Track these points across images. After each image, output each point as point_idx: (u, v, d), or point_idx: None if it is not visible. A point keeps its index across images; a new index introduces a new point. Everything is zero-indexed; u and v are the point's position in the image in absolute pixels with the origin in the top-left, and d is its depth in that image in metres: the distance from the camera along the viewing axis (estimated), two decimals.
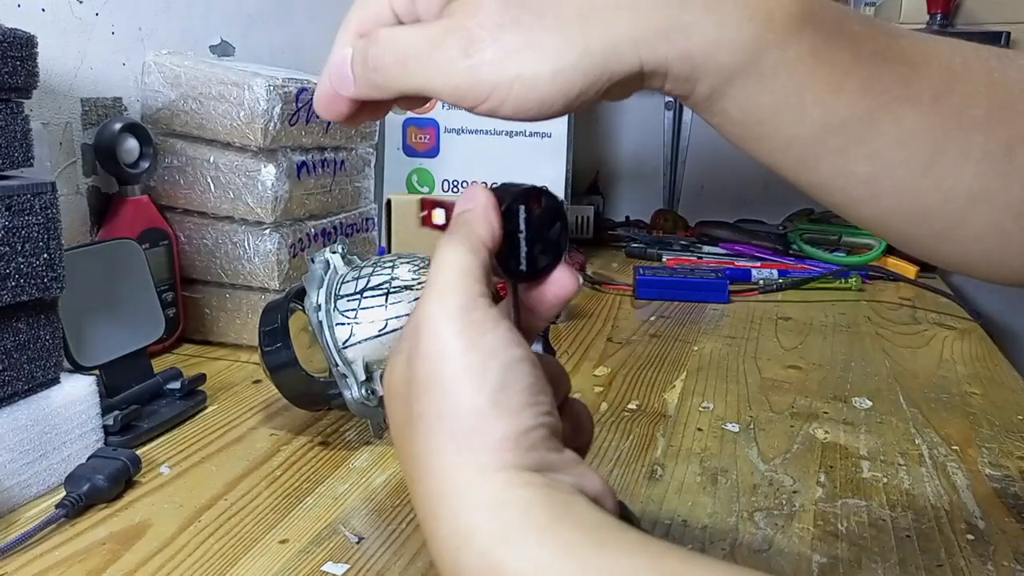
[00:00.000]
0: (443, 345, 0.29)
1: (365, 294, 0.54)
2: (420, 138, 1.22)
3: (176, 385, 0.62)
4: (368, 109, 0.38)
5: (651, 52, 0.32)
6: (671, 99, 1.49)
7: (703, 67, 0.33)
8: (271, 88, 0.72)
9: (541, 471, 0.29)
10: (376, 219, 0.95)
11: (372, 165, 0.93)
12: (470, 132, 1.19)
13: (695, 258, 1.24)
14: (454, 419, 0.29)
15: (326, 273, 0.56)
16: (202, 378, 0.64)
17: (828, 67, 0.34)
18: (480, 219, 0.33)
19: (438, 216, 0.41)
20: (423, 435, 0.29)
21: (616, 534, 0.27)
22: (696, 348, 0.83)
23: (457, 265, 0.31)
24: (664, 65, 0.32)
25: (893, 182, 0.37)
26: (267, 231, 0.75)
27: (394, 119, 1.22)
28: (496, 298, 0.36)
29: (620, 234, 1.41)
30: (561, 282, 0.35)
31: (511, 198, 0.34)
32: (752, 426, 0.63)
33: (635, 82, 0.33)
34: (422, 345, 0.30)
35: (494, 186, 0.35)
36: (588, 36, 0.31)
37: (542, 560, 0.26)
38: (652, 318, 0.94)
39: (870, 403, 0.68)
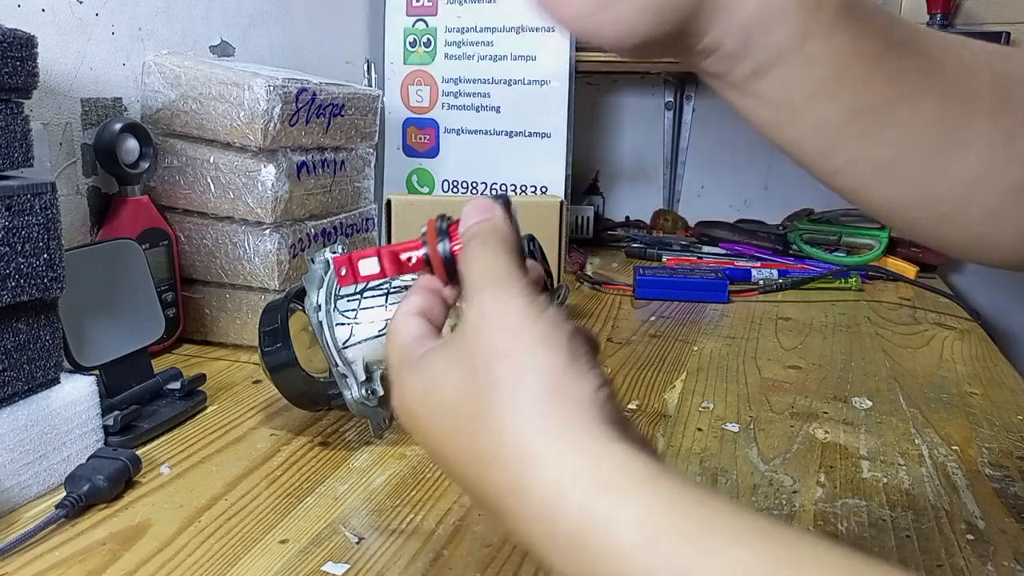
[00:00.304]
0: (514, 317, 0.31)
1: (365, 294, 0.54)
2: (420, 138, 1.22)
3: (176, 385, 0.62)
4: None
5: (718, 15, 0.34)
6: (671, 99, 1.49)
7: (754, 44, 0.35)
8: (271, 88, 0.72)
9: (618, 429, 0.30)
10: (376, 219, 0.95)
11: (372, 165, 0.93)
12: (470, 132, 1.19)
13: (695, 258, 1.24)
14: (540, 378, 0.29)
15: (326, 273, 0.56)
16: (202, 378, 0.64)
17: (862, 57, 0.36)
18: (504, 225, 0.35)
19: (368, 266, 0.40)
20: (498, 403, 0.29)
21: (712, 494, 0.27)
22: (696, 348, 0.83)
23: (505, 260, 0.33)
24: (720, 35, 0.35)
25: (905, 168, 0.39)
26: (267, 231, 0.75)
27: (394, 119, 1.22)
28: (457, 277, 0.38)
29: (620, 234, 1.41)
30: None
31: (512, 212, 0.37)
32: (752, 426, 0.63)
33: (684, 39, 0.35)
34: (489, 320, 0.31)
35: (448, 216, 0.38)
36: None
37: (642, 513, 0.26)
38: (652, 318, 0.94)
39: (870, 403, 0.68)
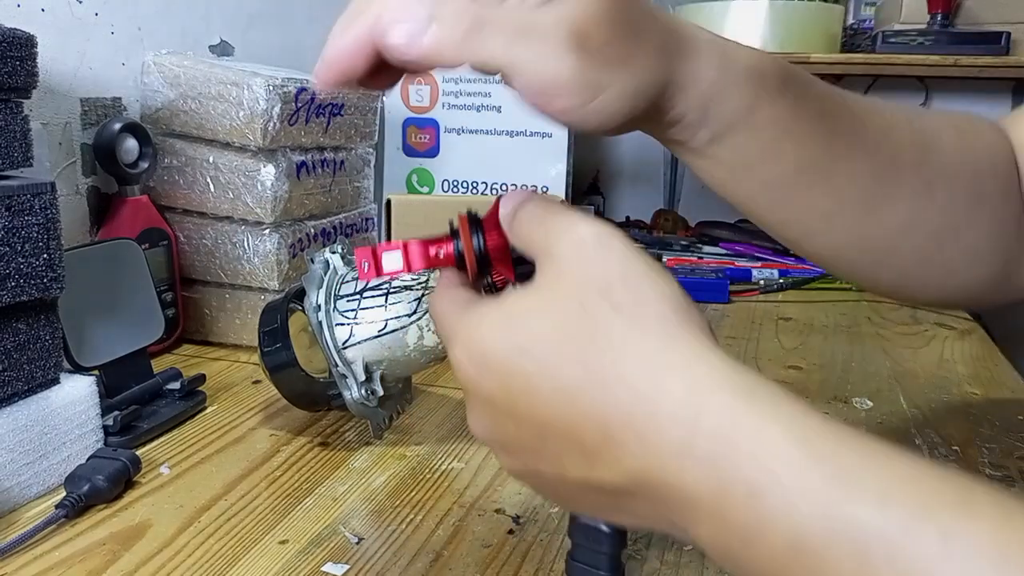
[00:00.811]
0: (619, 247, 0.30)
1: (365, 294, 0.54)
2: (420, 138, 1.22)
3: (176, 385, 0.62)
4: (380, 77, 0.38)
5: (681, 93, 0.38)
6: None
7: (710, 114, 0.39)
8: (270, 88, 0.72)
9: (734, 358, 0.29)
10: (376, 219, 0.95)
11: (372, 165, 0.93)
12: (470, 132, 1.19)
13: (695, 258, 1.24)
14: (663, 302, 0.29)
15: (326, 273, 0.56)
16: (202, 378, 0.64)
17: (802, 120, 0.42)
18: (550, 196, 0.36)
19: (391, 261, 0.38)
20: (622, 324, 0.29)
21: (842, 424, 0.26)
22: None
23: (575, 210, 0.33)
24: (683, 109, 0.39)
25: (845, 216, 0.45)
26: (267, 231, 0.75)
27: (394, 118, 1.22)
28: (494, 288, 0.38)
29: None
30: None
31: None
32: None
33: (653, 115, 0.38)
34: (589, 252, 0.30)
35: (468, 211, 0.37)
36: (643, 71, 0.36)
37: (797, 415, 0.25)
38: None
39: (871, 403, 0.68)
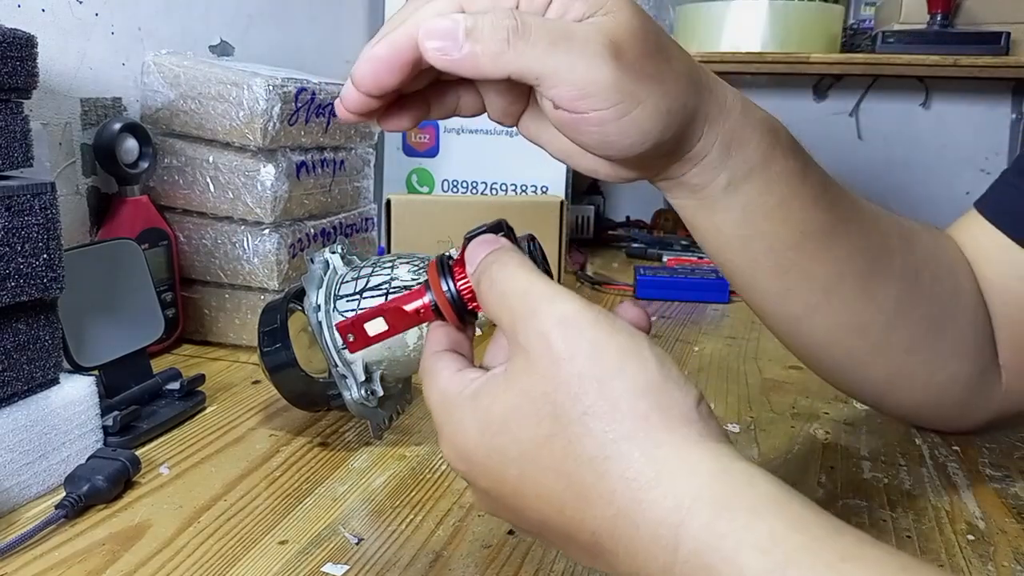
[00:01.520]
0: (588, 337, 0.29)
1: (365, 294, 0.54)
2: (420, 138, 1.22)
3: (175, 386, 0.62)
4: (404, 110, 0.39)
5: (708, 125, 0.39)
6: None
7: (731, 157, 0.40)
8: (270, 88, 0.72)
9: (724, 442, 0.28)
10: (376, 219, 0.95)
11: (372, 165, 0.93)
12: (470, 132, 1.19)
13: (696, 258, 1.23)
14: (639, 399, 0.28)
15: (325, 273, 0.56)
16: (201, 378, 0.64)
17: (810, 183, 0.43)
18: (515, 249, 0.34)
19: (375, 326, 0.39)
20: (597, 432, 0.28)
21: (842, 523, 0.26)
22: (697, 348, 0.83)
23: (538, 282, 0.31)
24: (707, 145, 0.40)
25: (842, 292, 0.46)
26: (266, 231, 0.75)
27: None
28: (469, 316, 0.37)
29: (620, 234, 1.41)
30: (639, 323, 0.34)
31: (517, 238, 0.37)
32: (753, 427, 0.63)
33: (676, 149, 0.39)
34: (556, 349, 0.29)
35: (467, 233, 0.37)
36: (676, 92, 0.37)
37: (771, 536, 0.24)
38: (653, 318, 0.94)
39: None
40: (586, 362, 0.28)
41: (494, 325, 0.34)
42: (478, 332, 0.39)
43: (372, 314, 0.38)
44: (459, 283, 0.36)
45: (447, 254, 0.38)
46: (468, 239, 0.36)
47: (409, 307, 0.37)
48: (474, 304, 0.36)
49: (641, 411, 0.27)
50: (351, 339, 0.39)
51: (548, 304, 0.30)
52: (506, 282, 0.32)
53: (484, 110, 0.42)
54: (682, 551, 0.25)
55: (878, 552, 0.24)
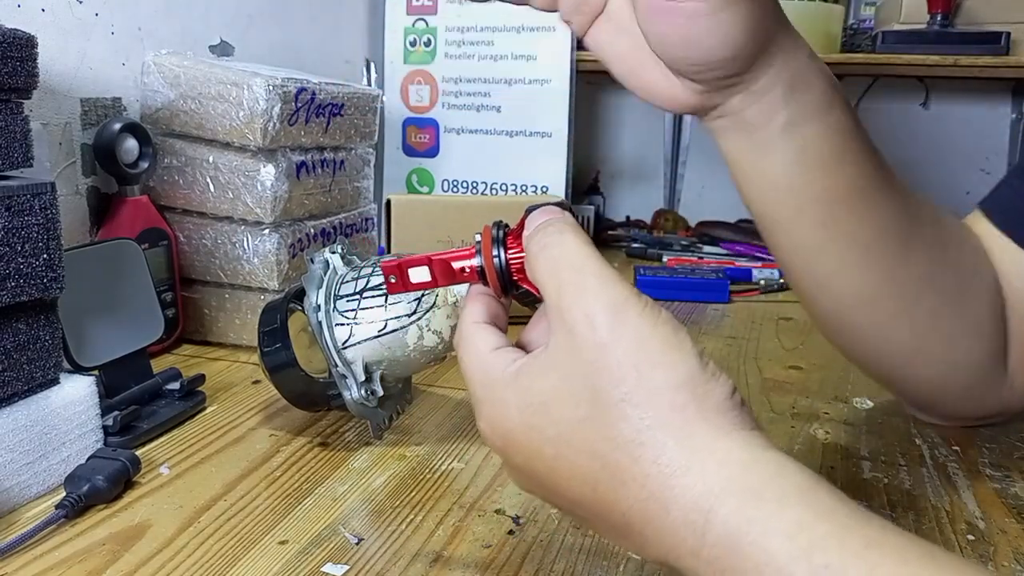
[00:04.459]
0: (633, 325, 0.29)
1: (364, 294, 0.54)
2: (420, 138, 1.22)
3: (175, 386, 0.62)
4: None
5: (780, 56, 0.40)
6: None
7: (795, 97, 0.40)
8: (270, 88, 0.72)
9: (756, 431, 0.29)
10: (376, 219, 0.95)
11: (372, 165, 0.93)
12: (470, 132, 1.19)
13: (696, 258, 1.24)
14: (676, 390, 0.28)
15: (325, 273, 0.56)
16: (201, 378, 0.64)
17: (862, 139, 0.44)
18: (574, 223, 0.34)
19: (418, 274, 0.39)
20: (633, 421, 0.28)
21: (870, 513, 0.26)
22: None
23: (594, 260, 0.31)
24: (774, 79, 0.40)
25: (880, 250, 0.46)
26: (266, 231, 0.75)
27: (394, 118, 1.22)
28: (529, 296, 0.36)
29: (620, 234, 1.41)
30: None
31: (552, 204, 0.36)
32: None
33: (748, 77, 0.40)
34: (600, 334, 0.29)
35: (531, 206, 0.36)
36: (760, 9, 0.38)
37: (799, 523, 0.25)
38: None
39: (871, 403, 0.68)
40: (629, 350, 0.29)
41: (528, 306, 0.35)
42: None
43: (418, 261, 0.38)
44: (510, 253, 0.36)
45: (503, 222, 0.37)
46: (528, 210, 0.36)
47: (456, 264, 0.37)
48: (520, 277, 0.36)
49: (679, 402, 0.28)
50: (392, 280, 0.38)
51: (599, 286, 0.30)
52: (561, 252, 0.32)
53: (557, 5, 0.42)
54: (710, 535, 0.26)
55: (902, 540, 0.25)
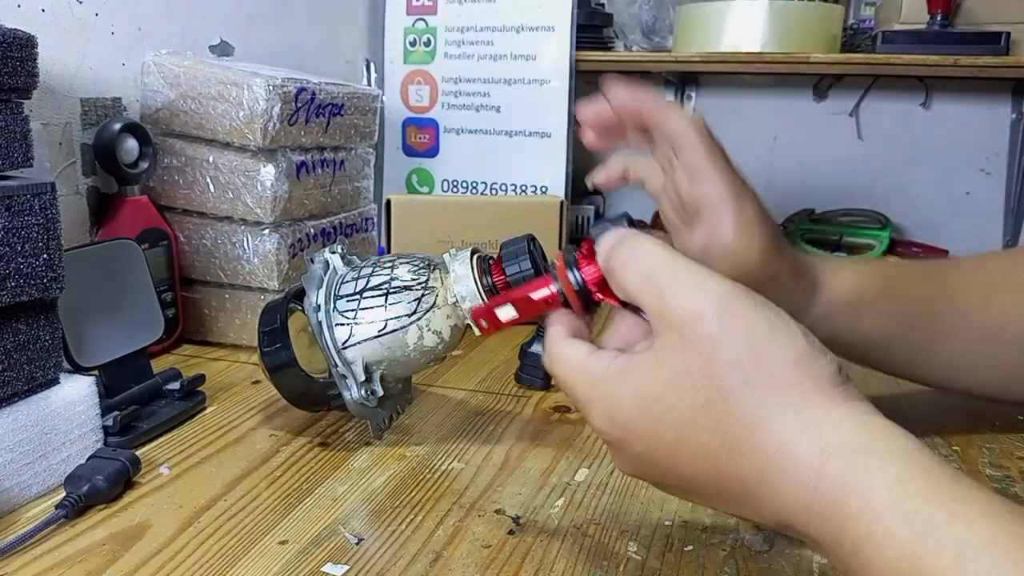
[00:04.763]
0: (741, 314, 0.32)
1: (365, 294, 0.54)
2: (420, 138, 1.22)
3: (175, 386, 0.62)
4: None
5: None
6: (672, 99, 1.49)
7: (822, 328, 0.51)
8: (270, 88, 0.72)
9: (865, 401, 0.32)
10: (376, 219, 0.95)
11: (372, 165, 0.93)
12: (470, 132, 1.19)
13: None
14: (791, 369, 0.31)
15: (325, 273, 0.56)
16: (201, 379, 0.64)
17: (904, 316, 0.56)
18: (644, 234, 0.37)
19: (505, 312, 0.42)
20: (755, 399, 0.31)
21: (963, 475, 0.28)
22: None
23: (682, 261, 0.34)
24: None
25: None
26: (266, 231, 0.75)
27: (394, 118, 1.22)
28: (592, 305, 0.40)
29: None
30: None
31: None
32: None
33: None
34: (711, 327, 0.32)
35: (594, 225, 0.41)
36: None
37: (898, 476, 0.28)
38: None
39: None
40: (742, 338, 0.31)
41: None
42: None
43: (502, 300, 0.42)
44: (585, 274, 0.39)
45: (572, 247, 0.41)
46: (594, 232, 0.39)
47: (536, 295, 0.41)
48: (598, 294, 0.39)
49: (796, 379, 0.31)
50: (484, 324, 0.43)
51: (697, 283, 0.33)
52: (650, 260, 0.34)
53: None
54: (821, 487, 0.29)
55: (988, 497, 0.27)
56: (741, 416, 0.31)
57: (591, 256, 0.39)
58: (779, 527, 0.32)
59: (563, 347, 0.38)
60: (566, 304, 0.40)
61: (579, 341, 0.38)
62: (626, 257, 0.35)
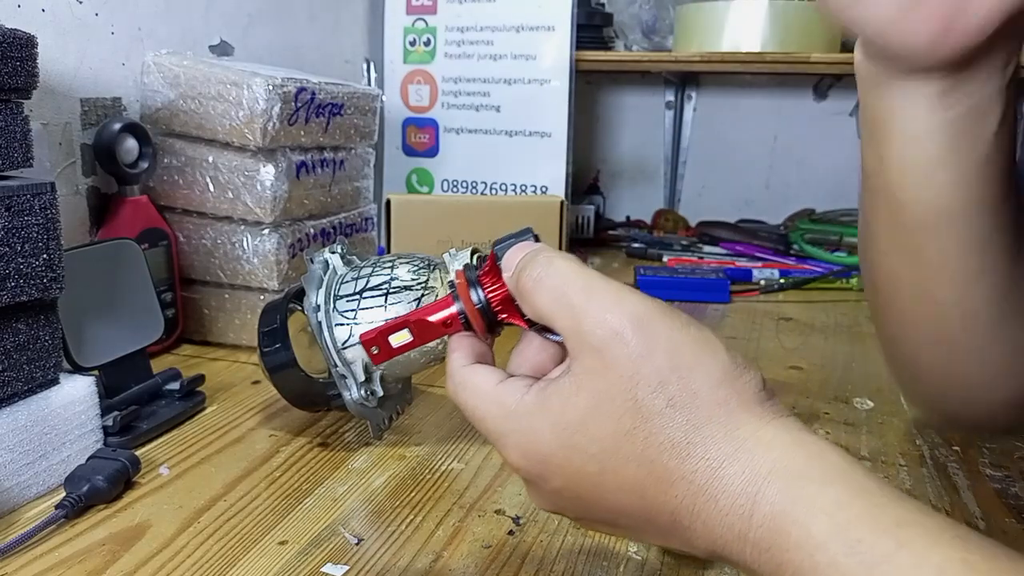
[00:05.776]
0: (663, 334, 0.30)
1: (364, 294, 0.54)
2: (419, 138, 1.22)
3: (175, 386, 0.62)
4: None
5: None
6: (672, 98, 1.49)
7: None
8: (270, 88, 0.72)
9: (792, 418, 0.30)
10: (376, 219, 0.95)
11: (372, 165, 0.93)
12: (469, 132, 1.19)
13: (696, 258, 1.24)
14: (718, 387, 0.30)
15: (325, 273, 0.56)
16: (201, 379, 0.64)
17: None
18: (554, 249, 0.35)
19: (399, 338, 0.38)
20: (681, 421, 0.29)
21: (904, 495, 0.27)
22: None
23: (597, 279, 0.32)
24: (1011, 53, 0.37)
25: (968, 199, 0.41)
26: (266, 231, 0.75)
27: (394, 118, 1.22)
28: (496, 326, 0.37)
29: (621, 234, 1.41)
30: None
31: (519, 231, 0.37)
32: None
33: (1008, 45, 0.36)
34: (633, 347, 0.30)
35: (497, 241, 0.37)
36: None
37: (837, 502, 0.27)
38: None
39: (871, 404, 0.68)
40: (665, 357, 0.30)
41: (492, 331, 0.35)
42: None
43: (397, 325, 0.38)
44: (488, 293, 0.36)
45: (473, 264, 0.37)
46: (497, 248, 0.36)
47: (434, 318, 0.37)
48: (502, 315, 0.36)
49: (722, 397, 0.29)
50: (375, 351, 0.39)
51: (616, 301, 0.31)
52: (561, 280, 0.32)
53: None
54: (757, 517, 0.27)
55: (933, 520, 0.26)
56: (668, 441, 0.29)
57: (494, 273, 0.36)
58: (713, 557, 0.30)
59: (468, 375, 0.35)
60: (467, 326, 0.37)
61: (485, 367, 0.35)
62: (537, 276, 0.33)
